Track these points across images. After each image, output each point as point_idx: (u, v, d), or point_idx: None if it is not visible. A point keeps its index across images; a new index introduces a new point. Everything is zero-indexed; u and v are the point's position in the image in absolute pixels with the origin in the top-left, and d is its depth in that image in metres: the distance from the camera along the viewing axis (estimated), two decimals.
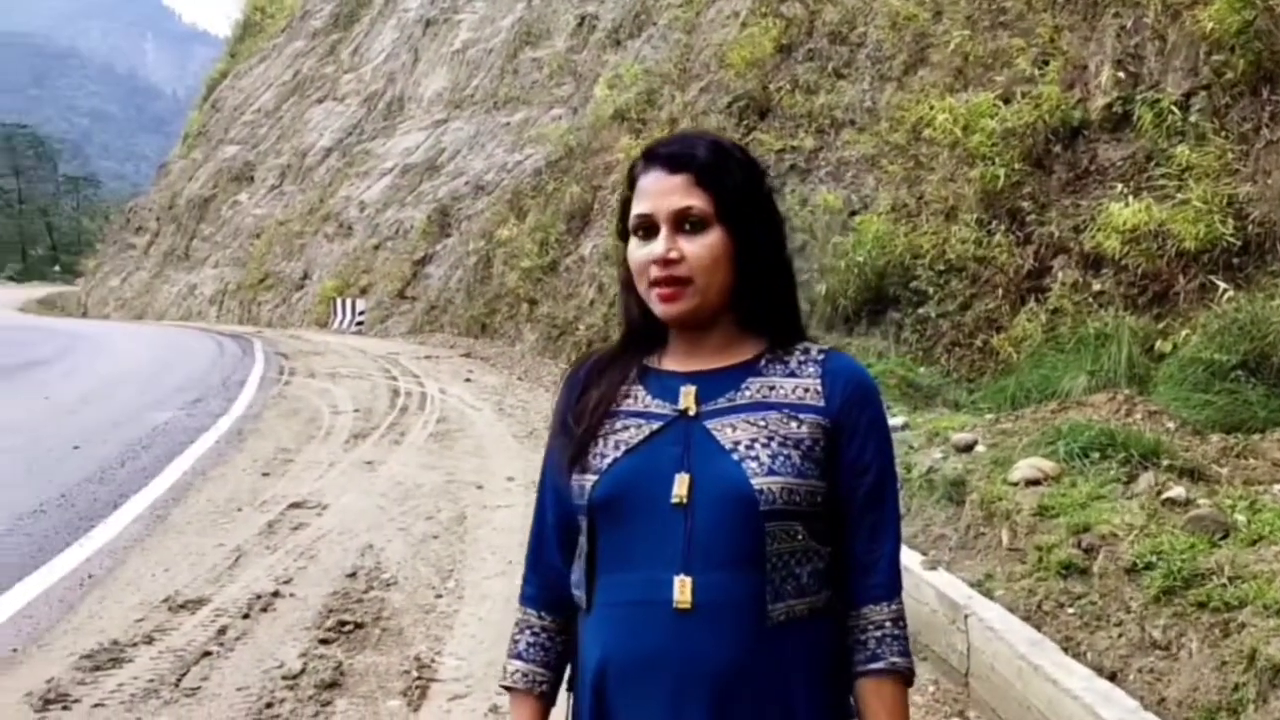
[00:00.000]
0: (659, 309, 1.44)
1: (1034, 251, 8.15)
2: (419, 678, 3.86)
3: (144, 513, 6.54)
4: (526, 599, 1.58)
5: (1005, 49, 9.48)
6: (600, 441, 1.46)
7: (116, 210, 70.85)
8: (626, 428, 1.46)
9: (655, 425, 1.44)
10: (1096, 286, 7.50)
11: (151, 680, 3.87)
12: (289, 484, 7.31)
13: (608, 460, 1.43)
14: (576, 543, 1.50)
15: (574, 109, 20.61)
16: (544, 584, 1.56)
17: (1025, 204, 8.33)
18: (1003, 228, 8.36)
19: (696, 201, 1.42)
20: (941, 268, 8.71)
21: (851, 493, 1.44)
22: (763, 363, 1.48)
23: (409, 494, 6.97)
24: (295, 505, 6.63)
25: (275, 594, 4.84)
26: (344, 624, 4.41)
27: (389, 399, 11.68)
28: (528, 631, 1.56)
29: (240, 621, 4.48)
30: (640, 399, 1.48)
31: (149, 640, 4.28)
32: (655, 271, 1.42)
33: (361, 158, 28.19)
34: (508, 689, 1.56)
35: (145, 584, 5.07)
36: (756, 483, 1.37)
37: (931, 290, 8.64)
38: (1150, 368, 6.47)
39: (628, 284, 1.51)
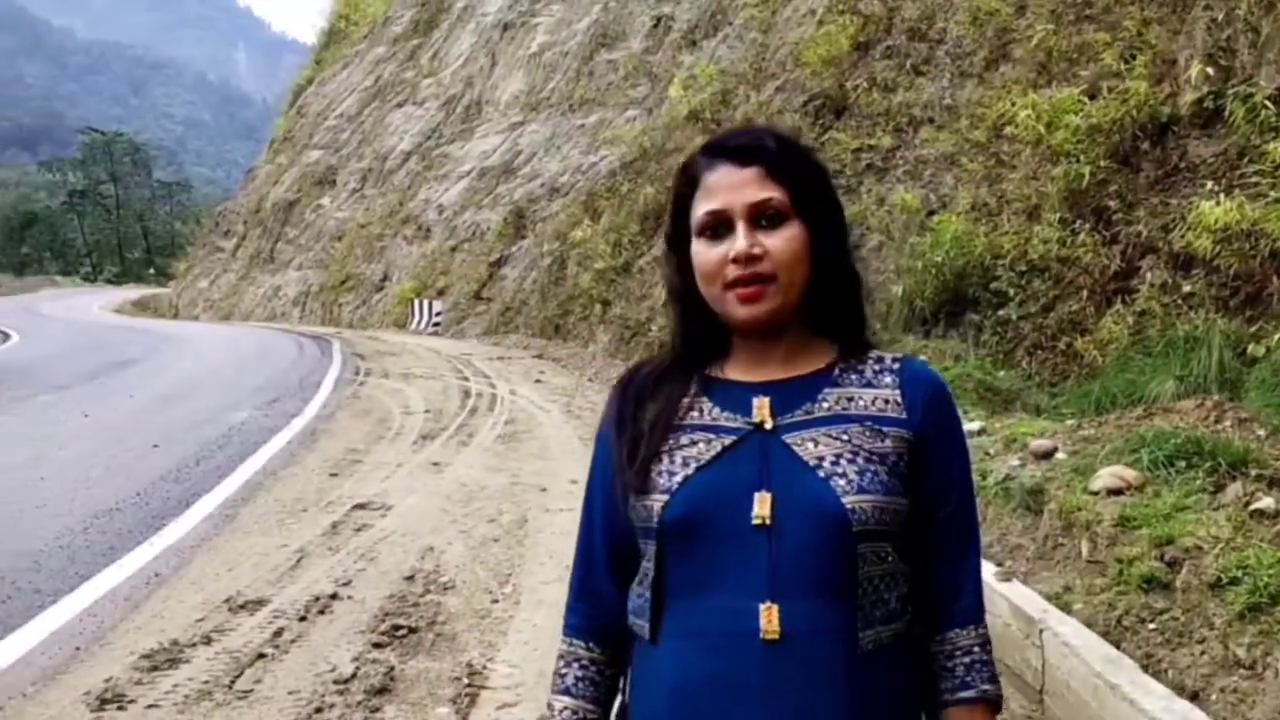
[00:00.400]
0: (739, 312, 1.34)
1: (1121, 251, 7.93)
2: (469, 685, 3.82)
3: (214, 512, 6.66)
4: (573, 629, 1.47)
5: (1091, 43, 9.26)
6: (665, 458, 1.36)
7: (207, 215, 73.11)
8: (694, 443, 1.36)
9: (728, 440, 1.35)
10: (1186, 288, 7.26)
11: (206, 682, 3.91)
12: (356, 485, 7.39)
13: (678, 478, 1.33)
14: (629, 568, 1.42)
15: (649, 110, 20.68)
16: (593, 613, 1.46)
17: (1111, 203, 8.10)
18: (1088, 227, 8.15)
19: (775, 193, 1.34)
20: (1023, 268, 8.52)
21: (936, 510, 1.36)
22: (836, 372, 1.39)
23: (473, 496, 6.98)
24: (360, 506, 6.68)
25: (333, 596, 4.87)
26: (398, 628, 4.41)
27: (460, 400, 11.77)
28: (575, 665, 1.45)
29: (297, 624, 4.51)
30: (707, 412, 1.38)
31: (207, 641, 4.33)
32: (734, 271, 1.33)
33: (440, 161, 28.54)
34: None
35: (208, 584, 5.15)
36: (848, 501, 1.28)
37: (1012, 291, 8.45)
38: (1242, 372, 6.24)
39: (681, 293, 1.42)
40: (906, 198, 10.65)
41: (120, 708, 3.69)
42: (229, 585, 5.08)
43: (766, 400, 1.36)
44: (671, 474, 1.34)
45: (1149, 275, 7.55)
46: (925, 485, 1.35)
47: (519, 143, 25.41)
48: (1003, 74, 10.62)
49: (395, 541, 5.82)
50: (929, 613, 1.37)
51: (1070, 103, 8.70)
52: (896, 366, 1.40)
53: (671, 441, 1.36)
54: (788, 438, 1.33)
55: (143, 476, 7.67)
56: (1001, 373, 7.92)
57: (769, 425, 1.34)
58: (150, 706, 3.69)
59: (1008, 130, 9.54)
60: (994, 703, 1.38)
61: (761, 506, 1.29)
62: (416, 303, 24.96)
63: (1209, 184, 7.40)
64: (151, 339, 21.98)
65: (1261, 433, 4.65)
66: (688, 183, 1.40)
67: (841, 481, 1.29)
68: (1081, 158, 8.30)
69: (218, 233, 41.45)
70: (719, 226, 1.34)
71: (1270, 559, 3.05)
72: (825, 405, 1.36)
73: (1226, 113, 7.46)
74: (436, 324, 23.74)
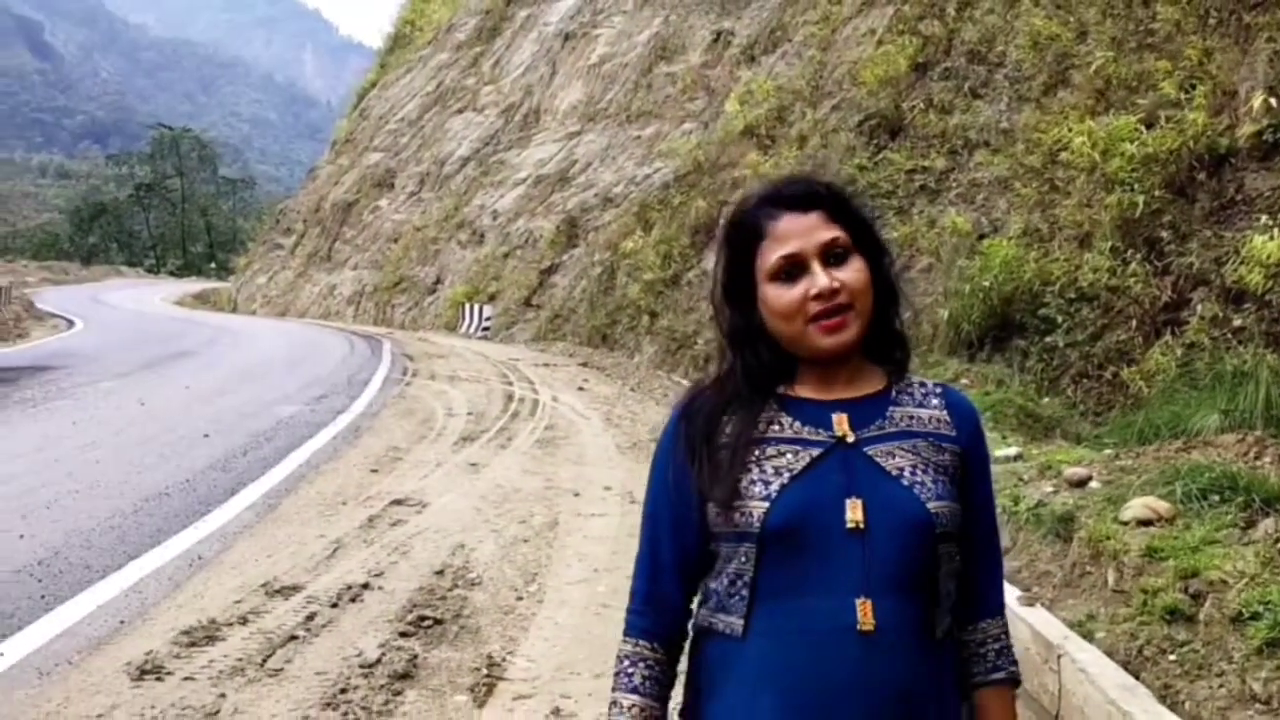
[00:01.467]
0: (825, 342, 1.46)
1: (1172, 283, 7.84)
2: (488, 675, 3.95)
3: (257, 501, 6.88)
4: (640, 631, 1.55)
5: (1151, 71, 9.16)
6: (755, 469, 1.46)
7: (269, 212, 74.32)
8: (781, 454, 1.47)
9: (815, 451, 1.46)
10: (1237, 322, 7.15)
11: (240, 659, 4.09)
12: (394, 481, 7.56)
13: (774, 487, 1.44)
14: (694, 576, 1.53)
15: (704, 124, 20.72)
16: (659, 617, 1.55)
17: (1164, 233, 8.01)
18: (1139, 257, 8.07)
19: (839, 233, 1.47)
20: (1072, 296, 8.46)
21: (978, 517, 1.52)
22: (894, 393, 1.53)
23: (507, 497, 7.12)
24: (397, 502, 6.85)
25: (365, 586, 5.02)
26: (424, 619, 4.55)
27: (502, 404, 11.92)
28: (642, 664, 1.53)
29: (329, 610, 4.68)
30: (788, 426, 1.49)
31: (243, 621, 4.52)
32: (816, 306, 1.45)
33: (497, 167, 28.80)
34: None
35: (248, 568, 5.33)
36: (931, 507, 1.43)
37: (1060, 319, 8.40)
38: None
39: (748, 334, 1.52)
40: (958, 220, 10.63)
41: (158, 678, 3.88)
42: (267, 570, 5.25)
43: (845, 416, 1.48)
44: (767, 483, 1.44)
45: (1199, 308, 7.46)
46: (971, 496, 1.50)
47: (575, 152, 25.61)
48: (1060, 99, 10.52)
49: (428, 537, 5.97)
50: (965, 606, 1.52)
51: (1127, 130, 8.62)
52: (940, 391, 1.56)
53: (757, 453, 1.47)
54: (869, 450, 1.46)
55: (192, 464, 7.94)
56: (1045, 400, 7.87)
57: (850, 439, 1.47)
58: (186, 679, 3.88)
59: (1063, 156, 9.50)
60: (1018, 682, 1.57)
61: (854, 512, 1.42)
62: (467, 307, 25.21)
63: (1264, 218, 7.31)
64: (209, 332, 22.48)
65: None
66: (748, 234, 1.52)
67: (922, 490, 1.44)
68: (1136, 186, 8.23)
69: (278, 230, 42.09)
70: (792, 269, 1.46)
71: None
72: (896, 420, 1.50)
73: None
74: (486, 328, 23.97)
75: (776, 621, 1.44)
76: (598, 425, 10.60)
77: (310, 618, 4.55)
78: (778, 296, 1.47)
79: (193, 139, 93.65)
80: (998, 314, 8.96)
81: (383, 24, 55.39)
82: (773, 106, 17.08)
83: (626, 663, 1.54)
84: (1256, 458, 4.73)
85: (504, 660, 4.11)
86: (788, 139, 15.98)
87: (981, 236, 10.20)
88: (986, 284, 9.00)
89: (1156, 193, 8.17)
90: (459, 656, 4.14)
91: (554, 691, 3.77)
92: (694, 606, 1.56)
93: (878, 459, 1.46)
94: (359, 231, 34.43)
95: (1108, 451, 5.36)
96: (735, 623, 1.46)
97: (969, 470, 1.51)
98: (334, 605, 4.73)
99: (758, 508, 1.43)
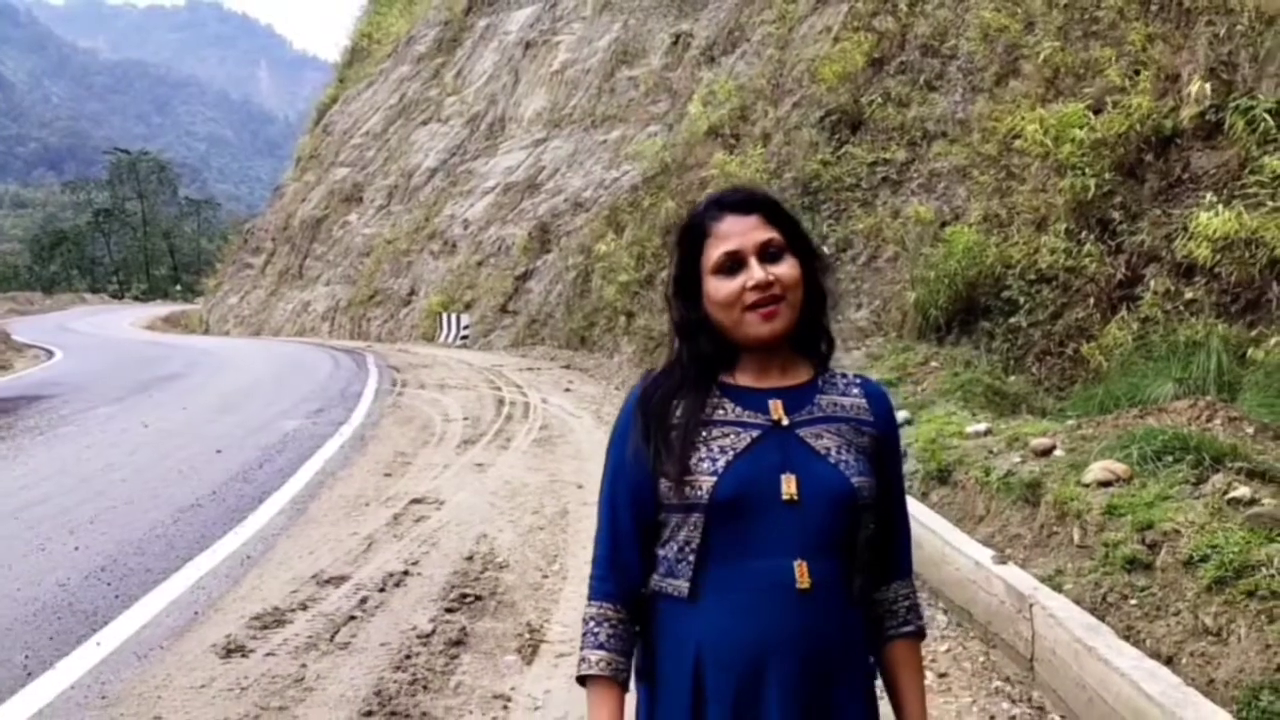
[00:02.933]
0: (760, 329, 1.64)
1: (1125, 260, 8.16)
2: (531, 639, 4.44)
3: (286, 506, 7.26)
4: (603, 595, 1.71)
5: (1097, 59, 9.47)
6: (703, 448, 1.63)
7: (234, 231, 73.59)
8: (726, 435, 1.64)
9: (755, 433, 1.65)
10: (1188, 295, 7.49)
11: (310, 637, 4.55)
12: (409, 483, 7.92)
13: (720, 464, 1.62)
14: (649, 543, 1.69)
15: (669, 125, 20.87)
16: (621, 580, 1.70)
17: (1116, 213, 8.34)
18: (1093, 237, 8.40)
19: (774, 234, 1.67)
20: (1032, 277, 8.77)
21: (891, 491, 1.72)
22: (820, 382, 1.73)
23: (516, 492, 7.51)
24: (416, 501, 7.24)
25: (405, 573, 5.45)
26: (465, 597, 5.04)
27: (495, 408, 12.20)
28: (606, 624, 1.69)
29: (378, 594, 5.12)
30: (730, 410, 1.67)
31: (303, 607, 4.96)
32: (753, 295, 1.63)
33: (465, 177, 28.83)
34: (590, 678, 1.68)
35: (294, 564, 5.74)
36: (855, 482, 1.62)
37: (1022, 300, 8.71)
38: (1240, 375, 6.44)
39: (694, 322, 1.70)
40: (920, 210, 10.91)
41: (243, 655, 4.35)
42: (312, 565, 5.67)
43: (780, 402, 1.68)
44: (714, 460, 1.62)
45: (1152, 283, 7.79)
46: (884, 472, 1.70)
47: (542, 159, 25.69)
48: (1012, 89, 10.81)
49: (451, 530, 6.40)
50: (881, 568, 1.71)
51: (1076, 117, 8.93)
52: (859, 382, 1.77)
53: (705, 434, 1.65)
54: (800, 432, 1.65)
55: (214, 478, 8.30)
56: (1011, 378, 8.17)
57: (785, 422, 1.66)
58: (268, 655, 4.35)
59: (1017, 144, 9.77)
60: (924, 635, 1.77)
61: (789, 486, 1.61)
62: (445, 316, 25.28)
63: (1209, 195, 7.56)
64: (190, 355, 22.45)
65: (1250, 430, 4.97)
66: (696, 234, 1.70)
67: (846, 467, 1.63)
68: (1087, 170, 8.54)
69: (247, 250, 41.79)
70: (733, 265, 1.65)
71: (1237, 538, 3.39)
72: (822, 407, 1.69)
73: (1227, 125, 7.65)
74: (465, 337, 24.03)
75: (723, 582, 1.61)
76: (589, 423, 10.93)
77: (363, 601, 5.00)
78: (719, 287, 1.65)
79: (151, 161, 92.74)
80: (963, 298, 9.26)
81: (338, 38, 55.25)
82: (735, 106, 17.24)
83: (592, 623, 1.71)
84: (1208, 420, 5.09)
85: (542, 627, 4.59)
86: (752, 137, 16.14)
87: (944, 224, 10.49)
88: (951, 270, 9.29)
89: (1107, 175, 8.49)
90: (502, 626, 4.63)
91: None
92: None
93: (808, 440, 1.65)
94: (329, 247, 34.34)
95: (1070, 422, 5.71)
96: (683, 585, 1.64)
97: (884, 451, 1.71)
98: (381, 590, 5.18)
99: (706, 481, 1.61)
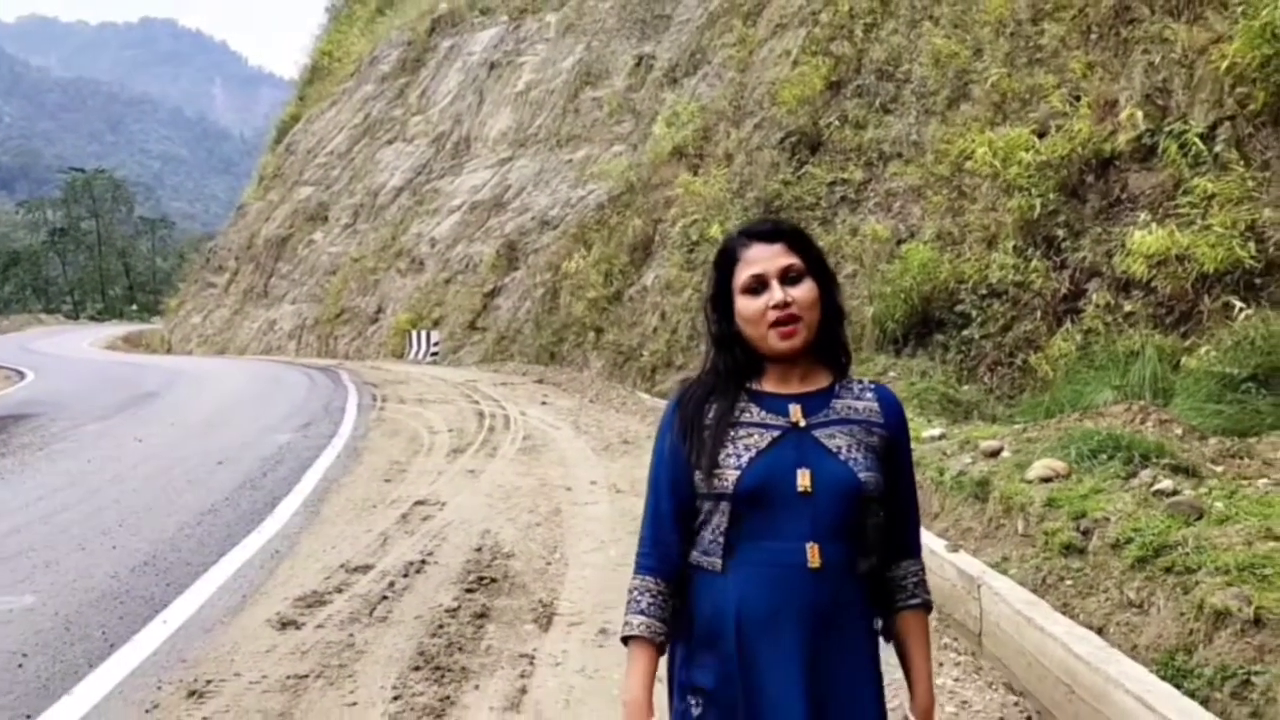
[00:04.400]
0: (780, 345, 1.88)
1: (1070, 276, 8.55)
2: (544, 612, 5.07)
3: (299, 509, 7.77)
4: (646, 569, 1.95)
5: (1041, 85, 9.85)
6: (730, 445, 1.88)
7: (190, 249, 72.74)
8: (751, 434, 1.88)
9: (775, 434, 1.88)
10: (1127, 307, 7.88)
11: (351, 613, 5.13)
12: (408, 488, 8.43)
13: (745, 459, 1.86)
14: (689, 525, 1.93)
15: (633, 145, 21.14)
16: (663, 556, 1.95)
17: (1060, 231, 8.72)
18: (1039, 254, 8.78)
19: (795, 260, 1.91)
20: (984, 292, 9.16)
21: (898, 484, 1.95)
22: (836, 389, 1.96)
23: (510, 494, 8.05)
24: (419, 503, 7.78)
25: (423, 562, 6.04)
26: (481, 579, 5.66)
27: (476, 421, 12.62)
28: (647, 594, 1.94)
29: (402, 579, 5.71)
30: (755, 414, 1.91)
31: (339, 590, 5.55)
32: (774, 315, 1.87)
33: (431, 196, 28.97)
34: (632, 638, 1.92)
35: (321, 556, 6.30)
36: (862, 476, 1.85)
37: (974, 313, 9.11)
38: (1173, 381, 6.83)
39: (728, 335, 1.95)
40: (877, 228, 11.30)
41: (296, 628, 4.93)
42: (337, 557, 6.27)
43: (799, 406, 1.92)
44: (739, 457, 1.87)
45: (1094, 297, 8.20)
46: (895, 469, 1.93)
47: (508, 178, 25.88)
48: (963, 113, 11.17)
49: (457, 527, 6.97)
50: (892, 548, 1.96)
51: (1022, 140, 9.34)
52: (874, 388, 1.99)
53: (733, 433, 1.90)
54: (816, 433, 1.89)
55: (222, 486, 8.77)
56: (965, 387, 8.61)
57: (802, 424, 1.90)
58: (318, 627, 4.93)
59: (968, 165, 10.13)
60: (930, 608, 2.03)
61: (804, 479, 1.85)
62: (414, 333, 25.38)
63: (1144, 214, 7.96)
64: (163, 374, 22.49)
65: (1178, 431, 5.46)
66: (729, 259, 1.96)
67: (855, 464, 1.87)
68: (1033, 191, 8.95)
69: (209, 269, 41.42)
70: (758, 286, 1.90)
71: (1157, 523, 3.87)
72: (837, 410, 1.93)
73: (1161, 149, 8.05)
74: (435, 353, 24.16)
75: (747, 559, 1.86)
76: (569, 433, 11.44)
77: (391, 584, 5.60)
78: (746, 305, 1.90)
79: (106, 180, 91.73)
80: (918, 312, 9.69)
81: (294, 54, 55.05)
82: (698, 127, 17.56)
83: (635, 593, 1.95)
84: (1141, 423, 5.57)
85: (552, 603, 5.20)
86: (715, 157, 16.46)
87: (900, 242, 10.87)
88: (907, 285, 9.71)
89: (1052, 195, 8.89)
90: (517, 602, 5.26)
91: (597, 620, 4.86)
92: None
93: (822, 440, 1.88)
94: (295, 266, 34.29)
95: (1017, 426, 6.18)
96: (716, 561, 1.89)
97: (894, 449, 1.93)
98: (405, 575, 5.78)
99: (732, 475, 1.85)
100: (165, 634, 4.92)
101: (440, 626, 4.86)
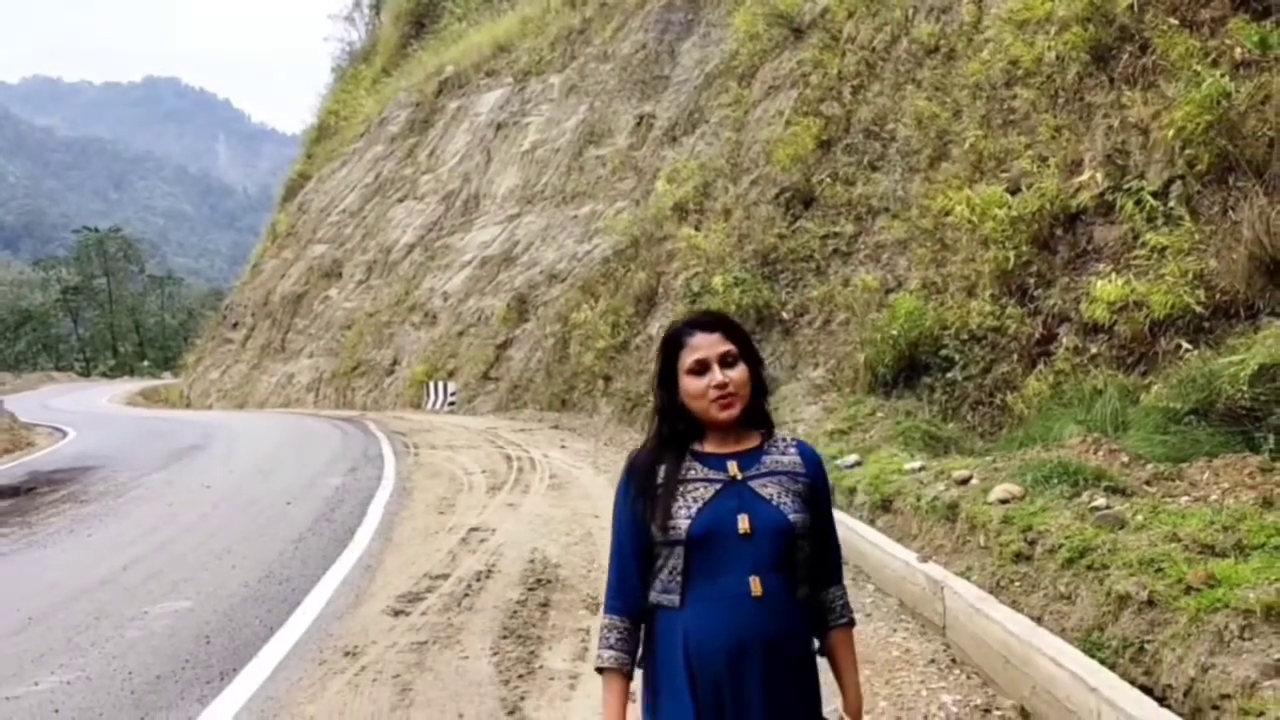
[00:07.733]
0: (720, 415, 2.17)
1: (1042, 321, 9.14)
2: (593, 602, 6.28)
3: (374, 535, 8.92)
4: (614, 610, 2.23)
5: (1013, 147, 10.51)
6: (680, 499, 2.15)
7: (198, 305, 73.24)
8: (697, 488, 2.16)
9: (717, 486, 2.17)
10: (1093, 350, 8.48)
11: (444, 606, 6.42)
12: (460, 518, 9.53)
13: (694, 509, 2.13)
14: (648, 570, 2.19)
15: (636, 201, 21.61)
16: (629, 599, 2.22)
17: (1032, 280, 9.33)
18: (1015, 301, 9.43)
19: (731, 347, 2.21)
20: (965, 337, 9.79)
21: (821, 523, 2.25)
22: (764, 446, 2.26)
23: (548, 522, 9.14)
24: (474, 529, 8.92)
25: (489, 571, 7.33)
26: (540, 581, 6.96)
27: (505, 463, 13.52)
28: (614, 631, 2.21)
29: (476, 583, 6.98)
30: (700, 470, 2.20)
31: (429, 591, 6.83)
32: (715, 393, 2.16)
33: (442, 251, 29.44)
34: (603, 669, 2.19)
35: (406, 569, 7.54)
36: (792, 518, 2.14)
37: (957, 357, 9.74)
38: (1130, 417, 7.54)
39: (667, 410, 2.24)
40: (867, 279, 11.94)
41: (406, 615, 6.26)
42: (419, 569, 7.49)
43: (735, 463, 2.21)
44: (689, 507, 2.15)
45: (1064, 341, 8.78)
46: (817, 510, 2.23)
47: (516, 233, 26.34)
48: (944, 170, 11.80)
49: (510, 546, 8.21)
50: (819, 577, 2.25)
51: (997, 197, 10.00)
52: (795, 444, 2.29)
53: (682, 488, 2.18)
54: (751, 484, 2.19)
55: (300, 520, 9.87)
56: (950, 425, 9.31)
57: (739, 477, 2.19)
58: (422, 614, 6.24)
59: (949, 219, 10.78)
60: (854, 624, 2.34)
61: (744, 524, 2.13)
62: (431, 384, 25.78)
63: (1105, 265, 8.60)
64: (199, 428, 23.03)
65: (1124, 459, 6.25)
66: (674, 345, 2.25)
67: (785, 508, 2.16)
68: (1008, 243, 9.59)
69: (225, 325, 41.83)
70: (701, 369, 2.19)
71: (1087, 532, 4.72)
72: (766, 465, 2.22)
73: (1118, 206, 8.69)
74: (452, 403, 24.59)
75: (701, 595, 2.11)
76: (590, 472, 12.46)
77: (468, 586, 6.89)
78: (692, 384, 2.19)
79: (119, 239, 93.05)
80: (906, 357, 10.32)
81: (297, 110, 55.92)
82: (698, 183, 18.14)
83: (605, 630, 2.21)
84: (1094, 452, 6.34)
85: (597, 596, 6.23)
86: (714, 212, 17.04)
87: (888, 291, 11.53)
88: (895, 332, 10.34)
89: (1025, 248, 9.52)
90: (570, 596, 6.54)
91: None
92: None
93: (757, 489, 2.16)
94: (311, 321, 34.63)
95: (988, 459, 6.99)
96: (675, 599, 2.14)
97: (815, 494, 2.21)
98: (477, 580, 7.07)
99: (684, 523, 2.12)
100: (308, 620, 6.21)
101: (514, 613, 6.13)
